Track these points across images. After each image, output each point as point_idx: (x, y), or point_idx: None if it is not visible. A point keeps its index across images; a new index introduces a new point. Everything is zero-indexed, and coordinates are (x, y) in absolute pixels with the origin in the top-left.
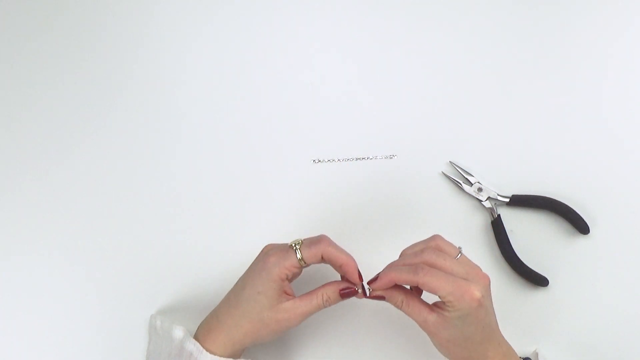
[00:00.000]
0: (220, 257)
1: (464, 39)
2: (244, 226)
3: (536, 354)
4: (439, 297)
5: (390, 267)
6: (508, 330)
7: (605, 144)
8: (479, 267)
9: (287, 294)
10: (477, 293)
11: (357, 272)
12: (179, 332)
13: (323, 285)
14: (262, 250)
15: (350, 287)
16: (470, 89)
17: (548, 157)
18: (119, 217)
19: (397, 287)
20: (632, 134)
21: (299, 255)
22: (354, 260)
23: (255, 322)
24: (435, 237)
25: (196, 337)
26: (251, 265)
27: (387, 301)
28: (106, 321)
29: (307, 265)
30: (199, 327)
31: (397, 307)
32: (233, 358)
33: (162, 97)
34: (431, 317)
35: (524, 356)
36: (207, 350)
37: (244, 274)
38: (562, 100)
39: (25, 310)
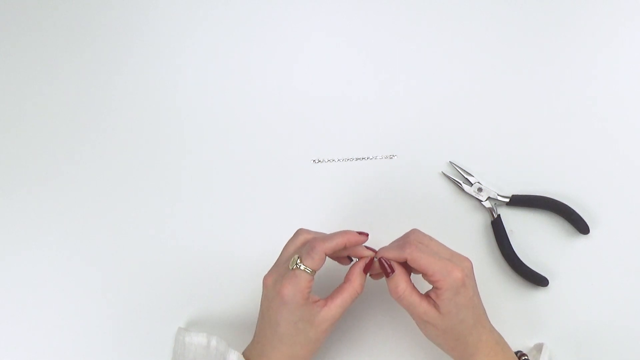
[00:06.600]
0: (221, 260)
1: (464, 39)
2: (244, 228)
3: (540, 346)
4: (427, 276)
5: (381, 248)
6: (508, 330)
7: (605, 144)
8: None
9: (316, 301)
10: (459, 273)
11: (359, 237)
12: (233, 357)
13: (347, 279)
14: (265, 284)
15: (366, 261)
16: (470, 89)
17: (548, 157)
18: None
19: (406, 275)
20: (632, 134)
21: (303, 268)
22: (346, 232)
23: (306, 344)
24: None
25: None
26: (267, 302)
27: (391, 283)
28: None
29: (317, 271)
30: None
31: (399, 294)
32: None
33: (164, 97)
34: (431, 309)
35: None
36: None
37: (267, 310)
38: (562, 100)
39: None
